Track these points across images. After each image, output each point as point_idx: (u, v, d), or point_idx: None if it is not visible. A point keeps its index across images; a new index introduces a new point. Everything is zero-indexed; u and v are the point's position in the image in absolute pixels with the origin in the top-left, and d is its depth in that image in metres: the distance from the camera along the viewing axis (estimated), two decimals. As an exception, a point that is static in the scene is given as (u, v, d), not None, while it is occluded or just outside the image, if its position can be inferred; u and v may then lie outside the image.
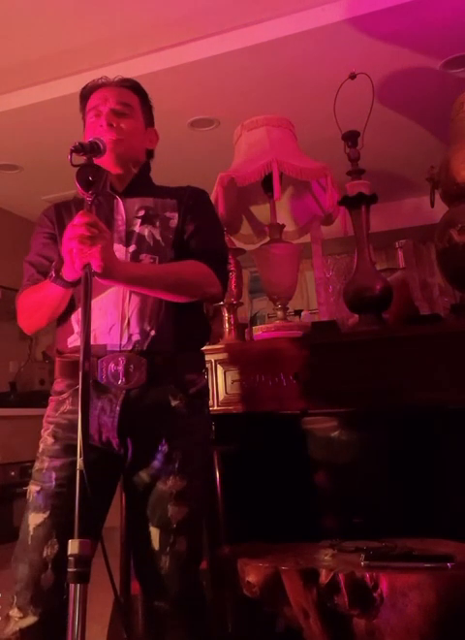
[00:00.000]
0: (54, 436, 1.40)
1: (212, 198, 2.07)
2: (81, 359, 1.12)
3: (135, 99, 1.56)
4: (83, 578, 1.01)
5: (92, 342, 1.21)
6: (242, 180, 2.04)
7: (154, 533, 1.37)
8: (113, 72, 2.97)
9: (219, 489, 1.92)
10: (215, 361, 1.97)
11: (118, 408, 1.37)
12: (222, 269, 1.51)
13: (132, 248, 1.44)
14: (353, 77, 2.13)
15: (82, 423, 1.09)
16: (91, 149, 1.27)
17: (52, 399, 1.47)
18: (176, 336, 1.43)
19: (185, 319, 1.45)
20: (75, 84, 2.99)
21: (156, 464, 1.38)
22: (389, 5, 2.60)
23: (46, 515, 1.32)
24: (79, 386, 1.11)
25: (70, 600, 1.01)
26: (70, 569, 1.01)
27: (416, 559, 1.48)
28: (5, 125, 3.38)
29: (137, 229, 1.47)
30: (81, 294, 1.18)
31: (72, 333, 1.45)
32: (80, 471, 1.05)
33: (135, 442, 1.39)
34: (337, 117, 2.07)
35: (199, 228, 1.51)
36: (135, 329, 1.39)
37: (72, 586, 1.01)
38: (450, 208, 2.06)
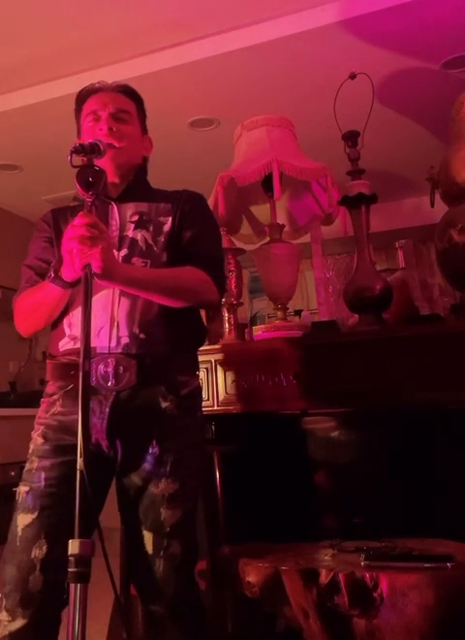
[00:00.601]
0: (44, 437, 1.40)
1: (212, 198, 2.08)
2: (82, 359, 1.13)
3: (132, 106, 1.56)
4: (84, 578, 1.01)
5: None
6: (242, 180, 2.04)
7: (147, 537, 1.36)
8: (113, 72, 2.99)
9: (219, 489, 1.92)
10: (215, 361, 1.97)
11: (108, 410, 1.37)
12: (220, 275, 1.51)
13: (123, 252, 1.44)
14: (353, 77, 2.13)
15: (83, 423, 1.09)
16: (91, 150, 1.27)
17: (44, 400, 1.46)
18: (168, 338, 1.42)
19: (178, 321, 1.44)
20: (75, 84, 2.99)
21: (147, 466, 1.38)
22: (389, 5, 2.60)
23: (34, 515, 1.32)
24: (80, 386, 1.11)
25: (70, 600, 1.01)
26: (70, 569, 1.01)
27: (416, 559, 1.48)
28: (5, 125, 3.38)
29: (130, 234, 1.47)
30: (82, 294, 1.18)
31: (63, 336, 1.45)
32: (81, 471, 1.05)
33: (124, 444, 1.39)
34: (337, 117, 2.07)
35: (197, 234, 1.51)
36: (124, 332, 1.38)
37: (72, 586, 1.01)
38: (450, 208, 2.06)
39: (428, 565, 1.43)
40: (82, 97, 1.56)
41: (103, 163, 1.34)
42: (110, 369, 1.36)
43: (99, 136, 1.45)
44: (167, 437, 1.39)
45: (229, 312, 2.16)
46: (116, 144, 1.46)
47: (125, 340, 1.38)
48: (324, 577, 1.42)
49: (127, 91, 1.57)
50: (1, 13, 2.62)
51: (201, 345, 1.59)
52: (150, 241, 1.47)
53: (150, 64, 2.95)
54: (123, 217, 1.49)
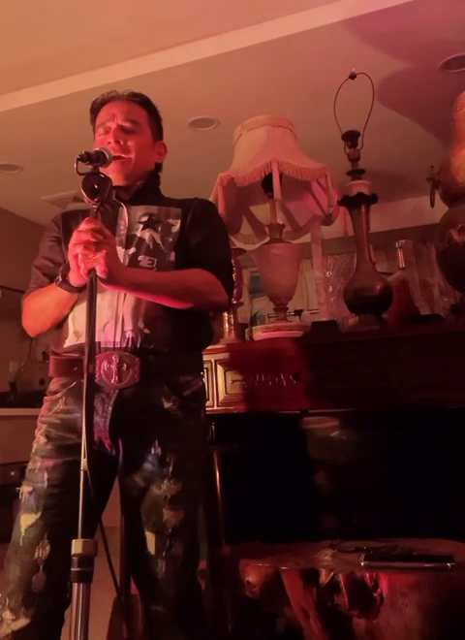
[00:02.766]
0: (47, 436, 1.39)
1: (212, 198, 2.08)
2: (85, 362, 1.13)
3: (143, 114, 1.57)
4: (86, 578, 1.01)
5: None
6: (242, 181, 2.04)
7: (150, 538, 1.36)
8: (114, 72, 2.99)
9: (219, 489, 1.92)
10: (215, 361, 1.98)
11: (110, 409, 1.36)
12: (228, 277, 1.51)
13: (131, 251, 1.45)
14: (353, 77, 2.13)
15: (87, 423, 1.09)
16: (97, 159, 1.30)
17: (46, 398, 1.46)
18: (172, 335, 1.42)
19: (183, 320, 1.44)
20: (75, 84, 3.02)
21: (149, 467, 1.38)
22: (389, 5, 2.60)
23: (37, 516, 1.32)
24: (84, 388, 1.11)
25: (73, 600, 1.01)
26: (73, 569, 1.02)
27: (416, 559, 1.48)
28: (5, 125, 3.38)
29: (138, 233, 1.48)
30: (86, 299, 1.20)
31: (67, 331, 1.45)
32: (84, 471, 1.06)
33: (126, 444, 1.39)
34: (337, 117, 2.07)
35: (206, 239, 1.52)
36: (128, 326, 1.38)
37: (75, 585, 1.01)
38: (450, 208, 2.06)
39: (428, 565, 1.43)
40: (96, 107, 1.59)
41: (110, 172, 1.38)
42: (114, 367, 1.36)
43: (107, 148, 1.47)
44: (169, 438, 1.39)
45: (229, 312, 2.16)
46: (124, 156, 1.49)
47: (130, 335, 1.38)
48: (324, 577, 1.42)
49: (138, 100, 1.58)
50: (1, 13, 2.62)
51: (207, 346, 1.58)
52: (158, 241, 1.48)
53: (150, 64, 2.95)
54: (132, 218, 1.50)
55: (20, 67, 3.00)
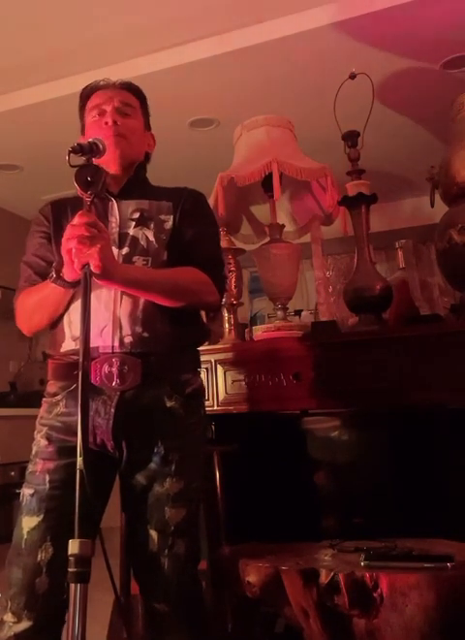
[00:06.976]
0: (48, 439, 1.39)
1: (212, 198, 2.08)
2: (81, 358, 1.12)
3: (135, 102, 1.57)
4: (84, 578, 1.01)
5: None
6: (242, 181, 2.04)
7: (152, 536, 1.36)
8: (113, 72, 2.97)
9: (219, 489, 1.92)
10: (215, 361, 1.97)
11: (113, 410, 1.36)
12: (220, 277, 1.50)
13: (124, 251, 1.43)
14: (353, 77, 2.13)
15: (82, 422, 1.08)
16: (90, 150, 1.28)
17: (45, 400, 1.45)
18: (171, 336, 1.41)
19: (181, 319, 1.43)
20: (75, 84, 3.00)
21: (152, 465, 1.38)
22: (389, 5, 2.60)
23: (39, 518, 1.31)
24: (79, 385, 1.10)
25: (70, 600, 1.01)
26: (70, 569, 1.01)
27: (416, 559, 1.48)
28: (5, 125, 3.39)
29: (130, 231, 1.46)
30: (81, 294, 1.18)
31: (64, 336, 1.44)
32: (81, 471, 1.05)
33: (130, 444, 1.38)
34: (337, 117, 2.07)
35: (197, 235, 1.50)
36: (127, 331, 1.37)
37: (72, 586, 1.01)
38: (450, 208, 2.06)
39: (428, 565, 1.43)
40: (86, 94, 1.57)
41: (107, 154, 1.35)
42: (115, 369, 1.35)
43: (103, 129, 1.46)
44: (172, 437, 1.39)
45: (229, 312, 2.16)
46: (120, 135, 1.46)
47: (129, 339, 1.37)
48: (324, 577, 1.42)
49: (130, 88, 1.58)
50: (1, 13, 2.63)
51: (203, 343, 1.59)
52: (151, 239, 1.46)
53: (150, 64, 2.96)
54: (123, 214, 1.48)
55: (20, 67, 3.00)
